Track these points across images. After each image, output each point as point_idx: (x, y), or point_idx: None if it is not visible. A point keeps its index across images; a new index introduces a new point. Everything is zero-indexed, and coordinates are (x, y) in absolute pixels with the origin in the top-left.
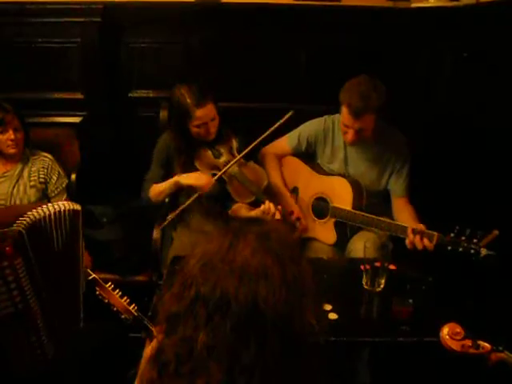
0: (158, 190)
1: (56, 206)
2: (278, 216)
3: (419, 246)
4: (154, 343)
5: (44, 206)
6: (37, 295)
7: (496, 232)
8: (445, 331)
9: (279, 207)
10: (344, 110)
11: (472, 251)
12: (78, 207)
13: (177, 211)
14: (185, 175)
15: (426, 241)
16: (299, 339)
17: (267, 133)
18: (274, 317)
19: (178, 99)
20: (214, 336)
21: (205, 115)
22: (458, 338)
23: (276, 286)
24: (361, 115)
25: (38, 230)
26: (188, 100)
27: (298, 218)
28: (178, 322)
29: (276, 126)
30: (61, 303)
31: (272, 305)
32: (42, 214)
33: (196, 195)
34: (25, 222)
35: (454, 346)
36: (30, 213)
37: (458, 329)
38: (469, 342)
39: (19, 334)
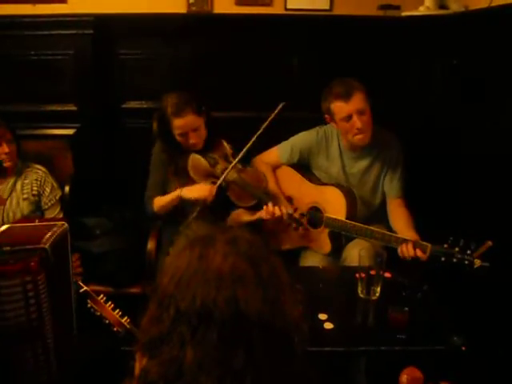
0: (162, 203)
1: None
2: (285, 216)
3: (412, 258)
4: (138, 365)
5: (58, 225)
6: (52, 313)
7: (489, 243)
8: (404, 378)
9: (282, 206)
10: (335, 105)
11: (466, 262)
12: (65, 223)
13: (188, 221)
14: (186, 189)
15: (419, 252)
16: (284, 335)
17: (261, 129)
18: (256, 317)
19: (162, 107)
20: (202, 349)
21: (183, 125)
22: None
23: (253, 286)
24: (351, 94)
25: (57, 247)
26: (168, 109)
27: (303, 214)
28: (161, 344)
29: (269, 119)
30: (61, 321)
31: (253, 306)
32: (61, 233)
33: (198, 208)
34: (51, 240)
35: None
36: (52, 230)
37: (418, 374)
38: None
39: (28, 351)
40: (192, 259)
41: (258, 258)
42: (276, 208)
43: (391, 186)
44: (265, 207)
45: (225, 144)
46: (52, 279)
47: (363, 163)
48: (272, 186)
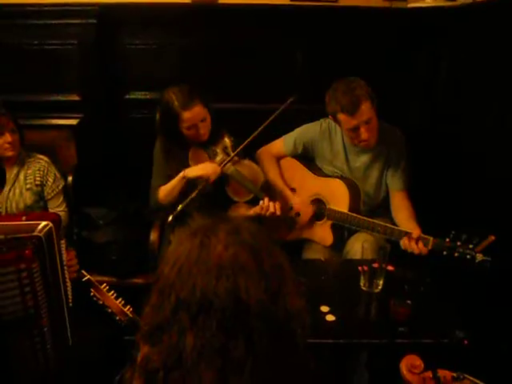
0: (167, 189)
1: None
2: (278, 212)
3: (415, 251)
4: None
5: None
6: (47, 302)
7: (492, 237)
8: (403, 365)
9: (278, 203)
10: (341, 116)
11: (468, 256)
12: (50, 223)
13: (186, 201)
14: (190, 168)
15: (420, 245)
16: (286, 327)
17: (270, 119)
18: (257, 307)
19: (167, 102)
20: (202, 337)
21: (193, 117)
22: (417, 371)
23: (254, 276)
24: (357, 107)
25: (51, 238)
26: (176, 102)
27: (298, 214)
28: (161, 332)
29: (278, 112)
30: (55, 311)
31: (254, 295)
32: (51, 228)
33: (203, 184)
34: (45, 230)
35: (415, 380)
36: (43, 223)
37: (418, 361)
38: (429, 374)
39: (25, 340)
40: (193, 248)
41: (261, 248)
42: (271, 204)
43: (394, 179)
44: (261, 202)
45: (226, 137)
46: (47, 270)
47: (366, 157)
48: (274, 176)
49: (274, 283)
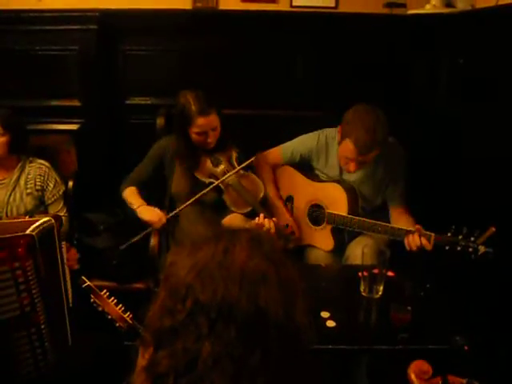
0: (127, 198)
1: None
2: (272, 230)
3: (417, 244)
4: (145, 356)
5: (45, 219)
6: (43, 300)
7: (493, 229)
8: (412, 371)
9: (274, 219)
10: (349, 143)
11: (470, 249)
12: (52, 219)
13: (174, 212)
14: (143, 208)
15: (424, 240)
16: (296, 338)
17: (244, 164)
18: (274, 318)
19: (183, 104)
20: (219, 344)
21: (206, 124)
22: (426, 376)
23: (274, 287)
24: (369, 151)
25: (45, 239)
26: (192, 106)
27: (293, 233)
28: (174, 335)
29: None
30: (54, 312)
31: (272, 306)
32: (48, 226)
33: (145, 231)
34: (38, 230)
35: None
36: (41, 221)
37: (425, 367)
38: (438, 380)
39: (22, 338)
40: (217, 252)
41: (279, 259)
42: (266, 221)
43: (393, 196)
44: (256, 218)
45: (232, 148)
46: (40, 268)
47: (361, 173)
48: (271, 192)
49: (288, 294)
